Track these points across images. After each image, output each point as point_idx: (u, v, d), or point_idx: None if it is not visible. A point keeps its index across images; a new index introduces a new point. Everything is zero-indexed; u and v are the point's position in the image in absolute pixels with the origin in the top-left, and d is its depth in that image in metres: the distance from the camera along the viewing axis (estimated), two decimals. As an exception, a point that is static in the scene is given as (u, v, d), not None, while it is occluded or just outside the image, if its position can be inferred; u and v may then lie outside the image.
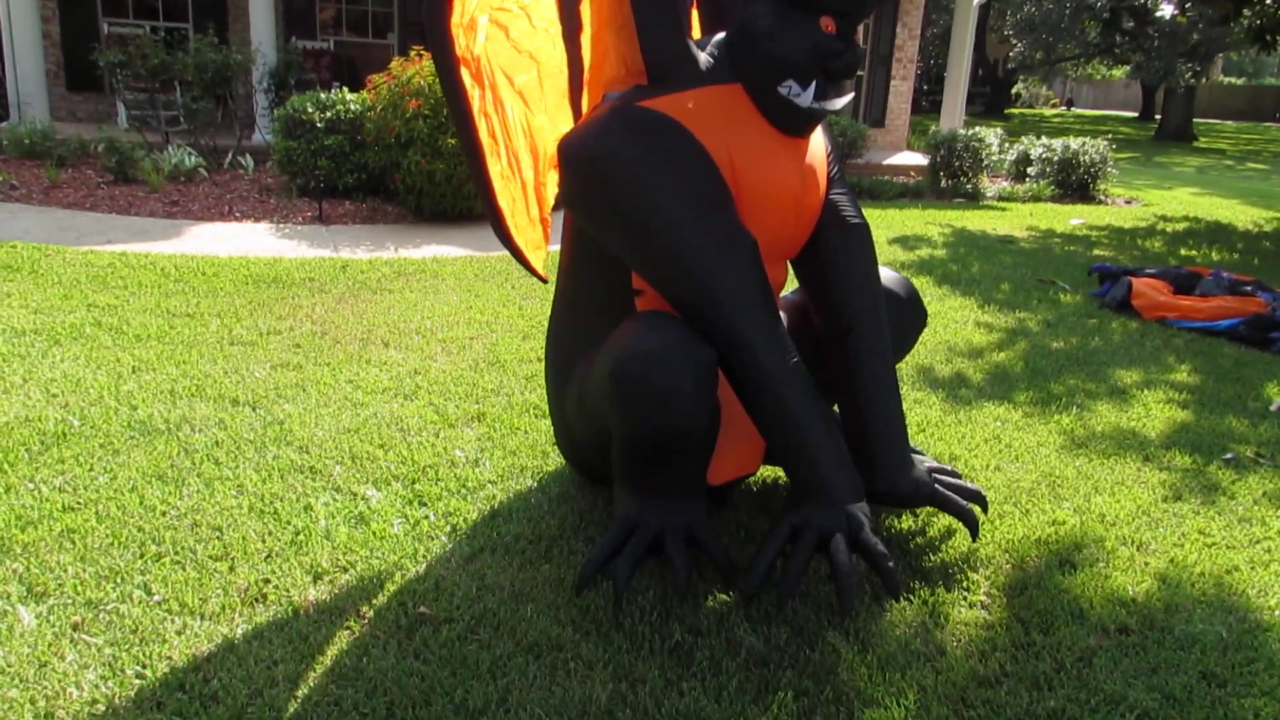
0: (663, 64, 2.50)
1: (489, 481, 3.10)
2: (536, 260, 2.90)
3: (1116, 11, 9.77)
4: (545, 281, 3.04)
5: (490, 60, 2.58)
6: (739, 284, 2.38)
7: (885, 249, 7.36)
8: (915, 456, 2.97)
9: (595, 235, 2.56)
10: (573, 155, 2.48)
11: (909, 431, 3.68)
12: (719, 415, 2.48)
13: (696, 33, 3.01)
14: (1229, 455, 3.64)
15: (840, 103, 2.56)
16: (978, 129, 11.43)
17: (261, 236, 6.50)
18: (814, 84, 2.43)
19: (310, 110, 7.67)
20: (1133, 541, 2.93)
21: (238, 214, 7.13)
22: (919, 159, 12.76)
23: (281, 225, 6.93)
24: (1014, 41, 31.92)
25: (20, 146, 8.25)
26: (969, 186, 11.04)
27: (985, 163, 11.22)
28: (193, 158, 8.13)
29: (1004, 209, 10.23)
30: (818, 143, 2.71)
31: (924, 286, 6.20)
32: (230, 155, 8.88)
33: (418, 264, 6.01)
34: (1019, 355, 4.80)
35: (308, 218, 7.19)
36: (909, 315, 3.03)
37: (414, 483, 3.06)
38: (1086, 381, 4.44)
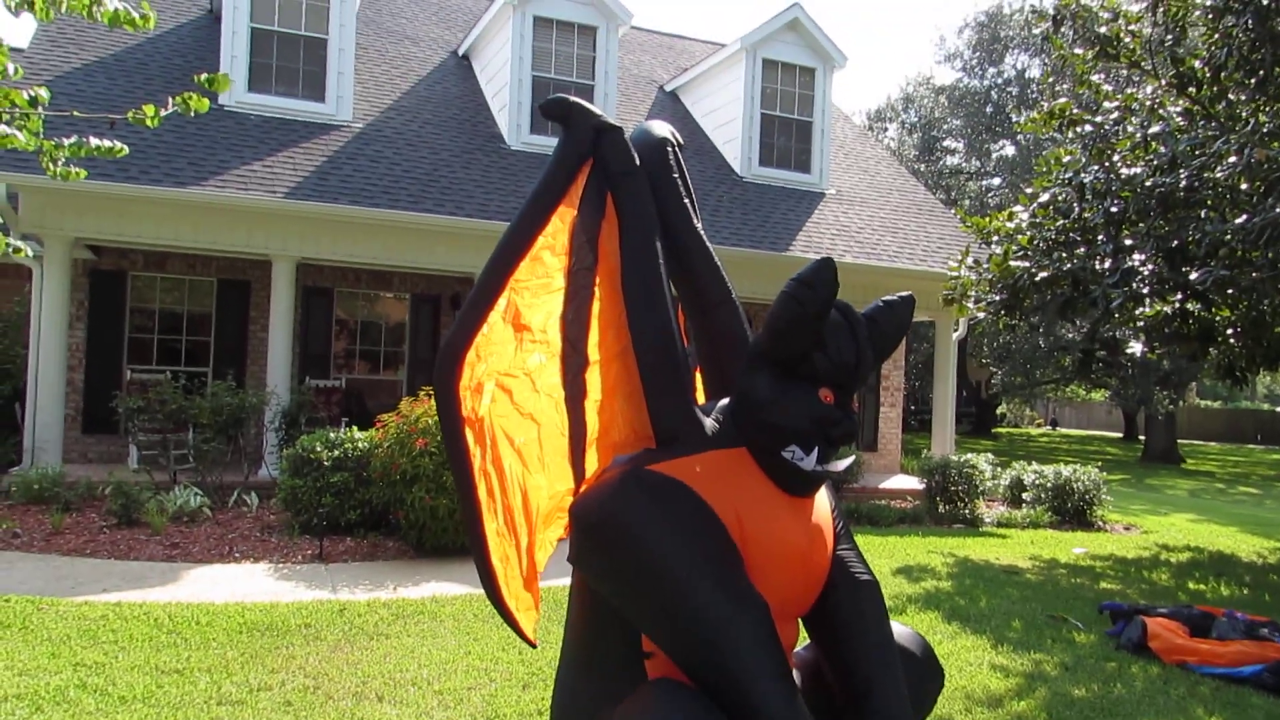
0: (670, 429, 2.62)
1: None
2: (527, 623, 2.86)
3: (1089, 352, 10.37)
4: (535, 646, 2.98)
5: (493, 421, 2.68)
6: (752, 649, 2.34)
7: (890, 580, 7.27)
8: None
9: (606, 596, 2.55)
10: (585, 517, 2.53)
11: (936, 799, 3.45)
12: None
13: (701, 396, 3.16)
14: (1282, 823, 3.38)
15: (843, 464, 2.66)
16: (969, 456, 11.69)
17: (260, 578, 6.43)
18: (816, 449, 2.53)
19: (319, 449, 7.87)
20: None
21: (238, 554, 7.09)
22: (913, 482, 12.93)
23: (281, 565, 6.87)
24: (993, 369, 33.49)
25: (29, 493, 8.35)
26: (966, 512, 11.10)
27: (980, 488, 11.36)
28: (198, 498, 8.22)
29: (1005, 536, 10.22)
30: (822, 501, 2.77)
31: (933, 623, 6.06)
32: (235, 493, 8.98)
33: (416, 604, 5.90)
34: (1040, 705, 4.59)
35: (308, 556, 7.15)
36: (926, 674, 2.95)
37: None
38: (1116, 735, 4.22)
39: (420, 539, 7.34)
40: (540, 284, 2.77)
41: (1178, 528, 12.05)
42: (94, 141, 5.14)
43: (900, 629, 2.98)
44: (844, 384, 2.58)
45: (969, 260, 10.15)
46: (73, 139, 5.13)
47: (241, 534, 7.76)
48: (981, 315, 10.41)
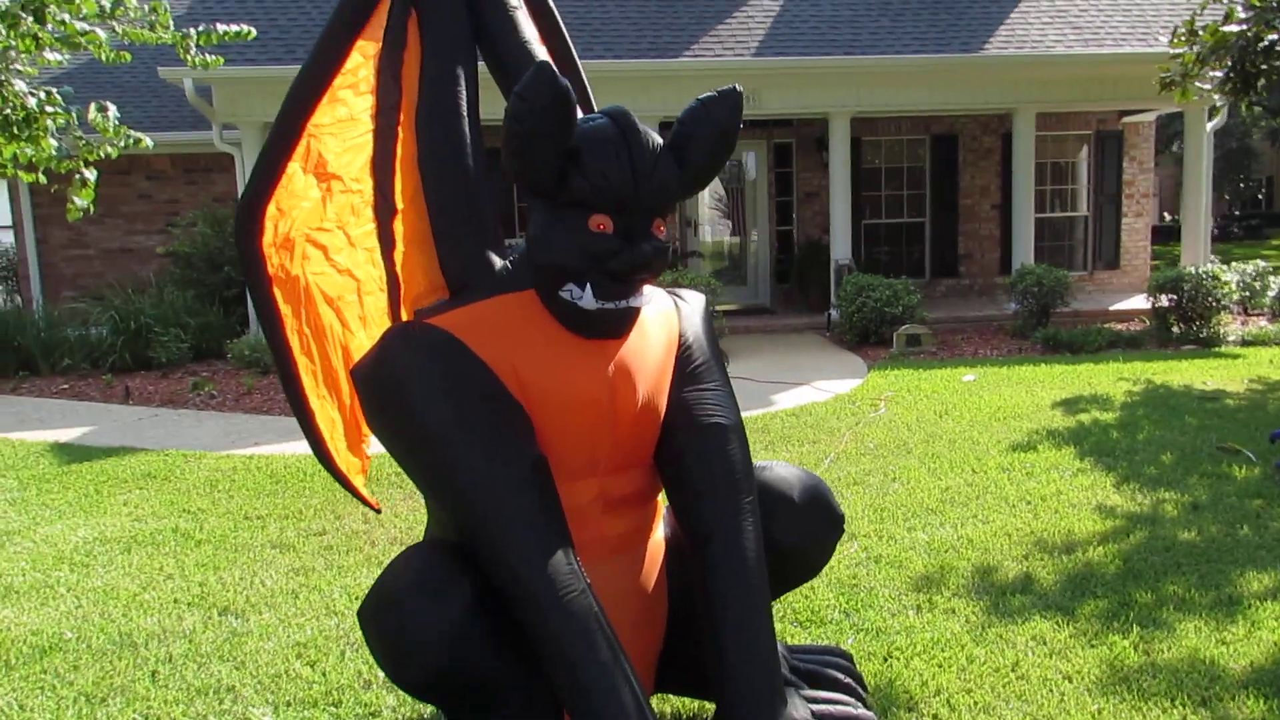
0: (459, 275, 2.42)
1: (387, 707, 2.95)
2: (364, 486, 2.82)
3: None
4: (379, 511, 2.95)
5: (309, 280, 2.59)
6: (511, 508, 2.17)
7: (1044, 413, 6.54)
8: (818, 694, 2.49)
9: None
10: (357, 379, 2.42)
11: (919, 651, 3.12)
12: (511, 661, 2.22)
13: None
14: (1325, 700, 2.75)
15: (642, 299, 2.33)
16: (1211, 265, 10.12)
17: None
18: (589, 286, 2.24)
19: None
20: (1102, 826, 2.25)
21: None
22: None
23: (420, 419, 7.29)
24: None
25: (242, 359, 9.36)
26: (1204, 332, 9.69)
27: (1223, 304, 9.85)
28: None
29: (1238, 356, 8.85)
30: (646, 340, 2.46)
31: (1062, 460, 5.40)
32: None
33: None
34: (1121, 552, 3.99)
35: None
36: (808, 522, 2.60)
37: (311, 706, 2.97)
38: (1191, 588, 3.59)
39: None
40: (345, 127, 2.60)
41: None
42: (221, 28, 5.45)
43: (791, 471, 2.65)
44: (624, 209, 2.23)
45: (1197, 27, 8.46)
46: (201, 28, 5.46)
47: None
48: (1218, 99, 8.77)
